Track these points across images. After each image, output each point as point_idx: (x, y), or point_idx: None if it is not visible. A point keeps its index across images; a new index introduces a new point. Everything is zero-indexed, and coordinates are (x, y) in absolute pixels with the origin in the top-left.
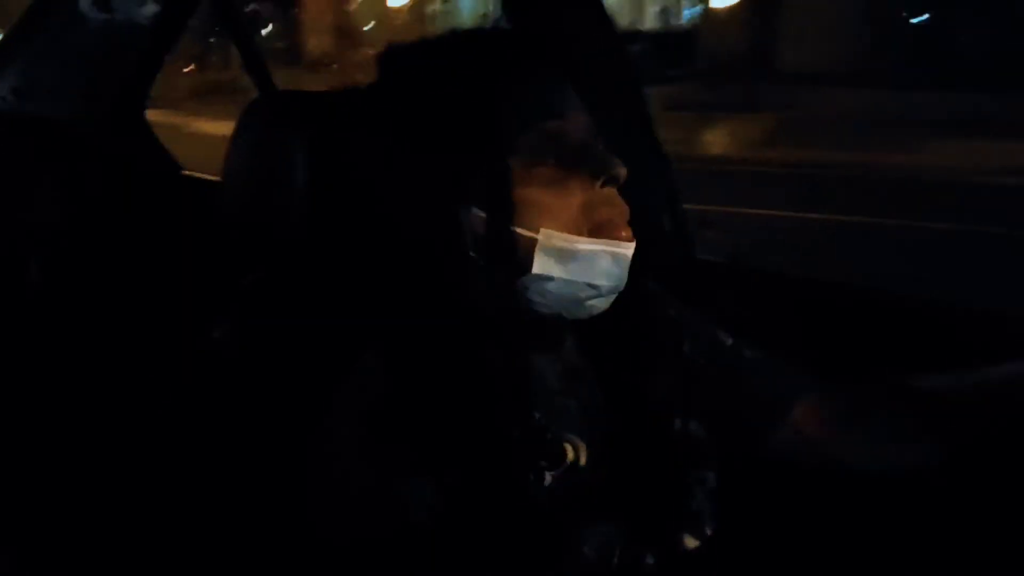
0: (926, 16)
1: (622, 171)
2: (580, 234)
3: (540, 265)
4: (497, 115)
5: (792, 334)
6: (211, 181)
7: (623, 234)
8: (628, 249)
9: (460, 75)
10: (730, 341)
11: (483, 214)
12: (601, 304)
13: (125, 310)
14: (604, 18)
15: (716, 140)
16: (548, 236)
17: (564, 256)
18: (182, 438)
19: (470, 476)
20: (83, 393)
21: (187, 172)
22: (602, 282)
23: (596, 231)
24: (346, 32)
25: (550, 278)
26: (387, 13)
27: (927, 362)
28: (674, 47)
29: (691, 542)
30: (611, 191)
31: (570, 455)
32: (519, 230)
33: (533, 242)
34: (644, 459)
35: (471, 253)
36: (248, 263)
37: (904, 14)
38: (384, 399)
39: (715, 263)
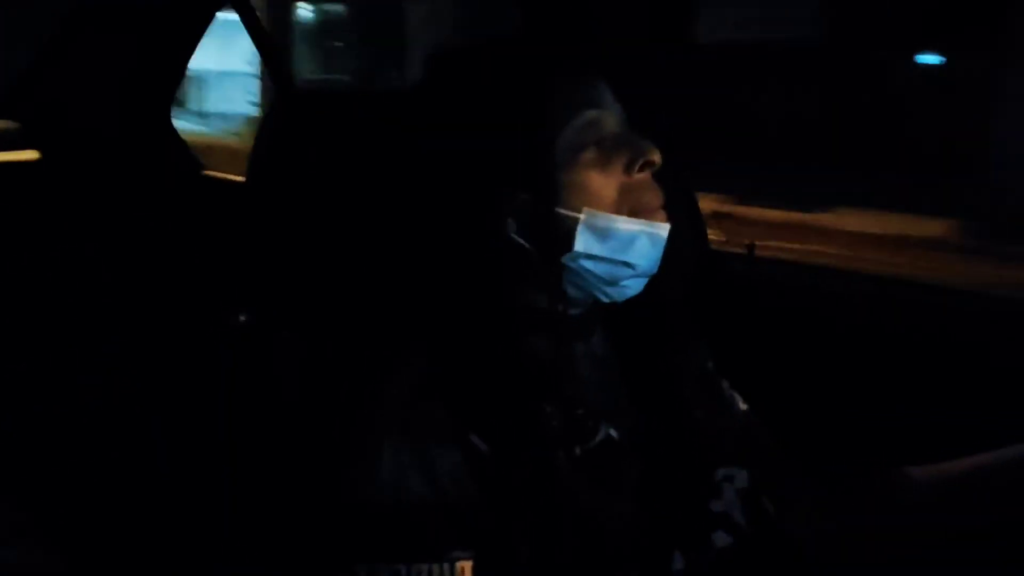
0: None
1: (657, 157)
2: (620, 215)
3: (582, 243)
4: (544, 108)
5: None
6: (235, 182)
7: (659, 216)
8: (664, 230)
9: (510, 74)
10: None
11: (529, 197)
12: (636, 286)
13: (144, 304)
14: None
15: None
16: (591, 215)
17: (605, 234)
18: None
19: (498, 446)
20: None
21: (209, 173)
22: (639, 262)
23: (634, 213)
24: None
25: (591, 256)
26: None
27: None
28: None
29: (721, 540)
30: (647, 176)
31: (601, 433)
32: (563, 211)
33: (576, 221)
34: (669, 454)
35: (515, 237)
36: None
37: None
38: (425, 378)
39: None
